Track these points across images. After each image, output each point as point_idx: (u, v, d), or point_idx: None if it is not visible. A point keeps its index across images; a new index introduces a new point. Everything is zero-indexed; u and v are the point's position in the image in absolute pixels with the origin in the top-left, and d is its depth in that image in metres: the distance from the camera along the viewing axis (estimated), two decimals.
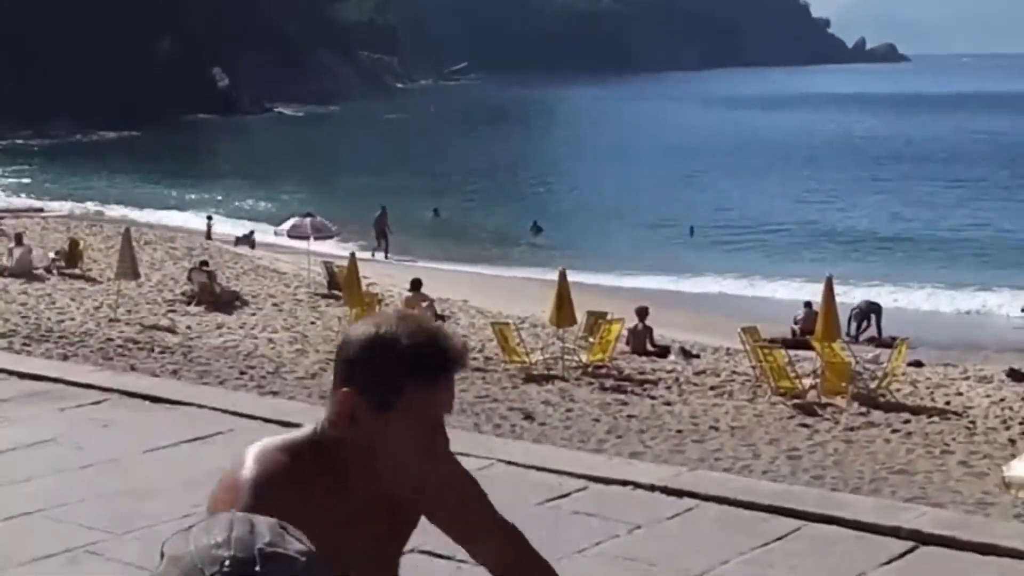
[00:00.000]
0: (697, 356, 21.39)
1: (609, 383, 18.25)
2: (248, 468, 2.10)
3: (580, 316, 20.31)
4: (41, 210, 44.86)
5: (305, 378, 17.10)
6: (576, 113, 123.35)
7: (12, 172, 63.27)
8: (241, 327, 21.94)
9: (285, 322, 22.80)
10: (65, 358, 16.37)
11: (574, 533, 5.80)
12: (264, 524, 1.45)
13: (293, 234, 30.79)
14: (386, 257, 38.38)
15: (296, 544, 1.44)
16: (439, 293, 25.40)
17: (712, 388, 18.03)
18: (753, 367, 18.44)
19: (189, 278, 25.79)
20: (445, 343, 2.11)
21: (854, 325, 26.00)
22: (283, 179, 61.09)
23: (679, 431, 14.93)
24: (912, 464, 13.49)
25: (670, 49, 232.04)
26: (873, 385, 17.62)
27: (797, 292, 30.11)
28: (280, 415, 7.61)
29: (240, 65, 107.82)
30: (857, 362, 18.37)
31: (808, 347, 19.19)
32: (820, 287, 19.08)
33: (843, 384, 17.48)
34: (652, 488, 6.42)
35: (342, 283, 23.88)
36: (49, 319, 21.18)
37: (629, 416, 15.71)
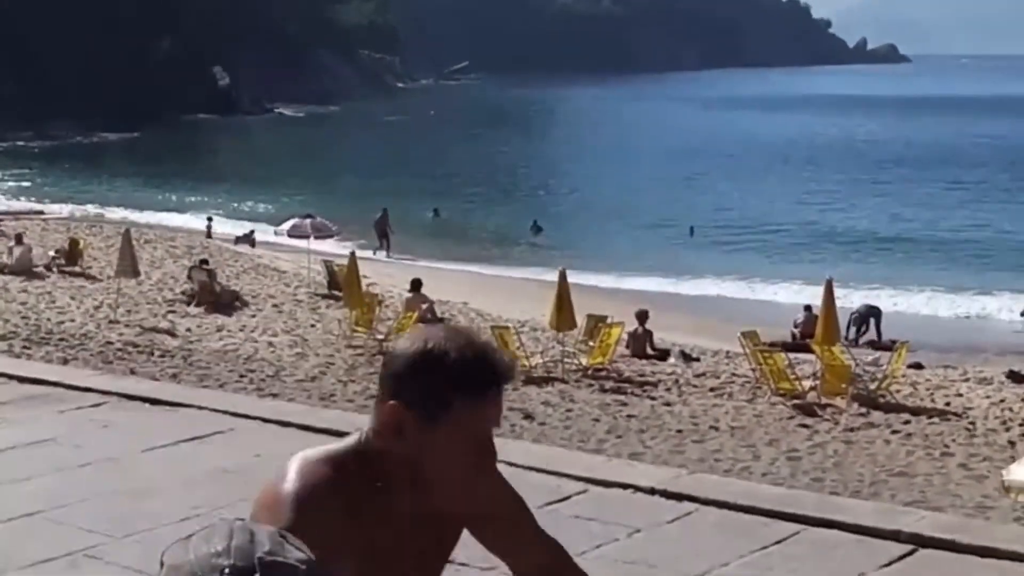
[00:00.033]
0: (697, 359, 21.38)
1: (609, 385, 18.26)
2: (290, 481, 2.08)
3: (580, 319, 20.31)
4: (41, 212, 44.82)
5: (305, 381, 17.14)
6: (576, 113, 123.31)
7: (12, 175, 63.18)
8: (241, 330, 21.95)
9: (285, 324, 22.79)
10: (65, 362, 16.40)
11: (574, 536, 5.77)
12: (264, 533, 1.44)
13: (293, 234, 30.86)
14: (387, 256, 38.44)
15: (296, 553, 1.43)
16: (439, 293, 25.38)
17: (712, 389, 18.04)
18: (753, 370, 18.45)
19: (189, 276, 25.78)
20: (493, 358, 2.11)
21: (853, 329, 26.00)
22: (283, 180, 60.97)
23: (679, 431, 14.95)
24: (912, 466, 13.49)
25: (670, 49, 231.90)
26: (873, 386, 17.63)
27: (797, 295, 30.09)
28: (279, 416, 7.64)
29: (240, 65, 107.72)
30: (857, 365, 18.39)
31: (808, 350, 19.20)
32: (820, 290, 19.07)
33: (843, 385, 17.52)
34: (652, 491, 6.43)
35: (342, 283, 23.86)
36: (49, 320, 21.19)
37: (629, 416, 15.72)
